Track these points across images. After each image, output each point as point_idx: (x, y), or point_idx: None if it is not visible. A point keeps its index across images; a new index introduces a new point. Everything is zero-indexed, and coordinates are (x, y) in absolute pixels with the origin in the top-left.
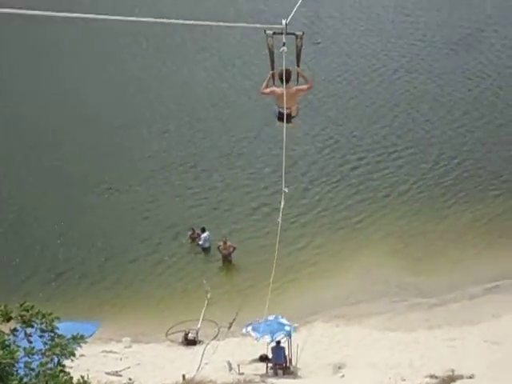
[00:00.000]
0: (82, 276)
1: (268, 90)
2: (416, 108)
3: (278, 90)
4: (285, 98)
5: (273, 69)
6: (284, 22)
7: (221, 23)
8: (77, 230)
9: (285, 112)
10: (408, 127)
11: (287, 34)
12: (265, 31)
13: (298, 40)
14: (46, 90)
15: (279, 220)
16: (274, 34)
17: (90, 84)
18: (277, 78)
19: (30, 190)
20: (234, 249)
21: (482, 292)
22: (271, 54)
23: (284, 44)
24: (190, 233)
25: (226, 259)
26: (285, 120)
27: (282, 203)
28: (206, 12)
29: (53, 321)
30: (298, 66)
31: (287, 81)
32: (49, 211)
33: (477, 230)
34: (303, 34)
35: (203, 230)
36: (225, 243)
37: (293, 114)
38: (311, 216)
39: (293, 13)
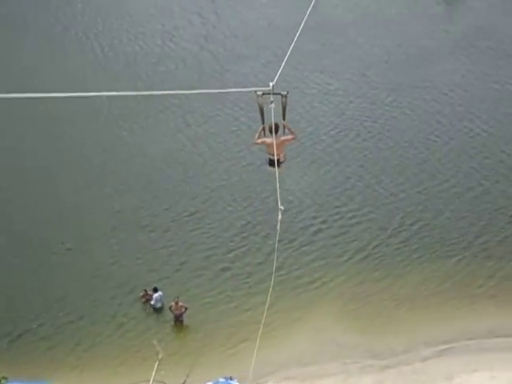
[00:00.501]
0: (40, 338)
1: (260, 141)
2: (380, 171)
3: (268, 140)
4: (275, 146)
5: (263, 123)
6: (271, 84)
7: (210, 90)
8: (34, 290)
9: (275, 158)
10: (372, 189)
11: (274, 93)
12: (255, 92)
13: (283, 98)
14: (4, 150)
15: (278, 228)
16: (263, 94)
17: (48, 143)
18: (267, 130)
19: None
20: (186, 309)
21: (434, 354)
22: (261, 110)
23: (272, 102)
24: (141, 294)
25: (178, 319)
26: (276, 165)
27: (280, 216)
28: (169, 75)
29: (0, 381)
30: (284, 119)
31: (276, 132)
32: (6, 271)
33: (429, 293)
34: (287, 93)
35: (155, 290)
36: (176, 303)
37: (281, 160)
38: (264, 275)
39: (277, 76)
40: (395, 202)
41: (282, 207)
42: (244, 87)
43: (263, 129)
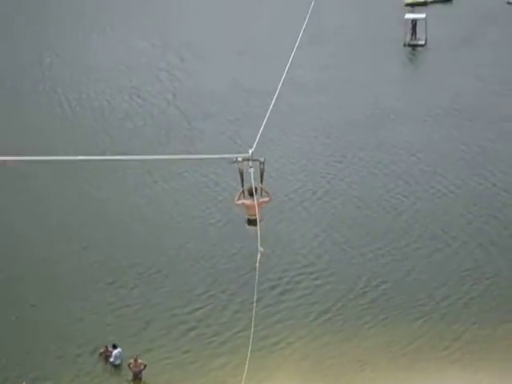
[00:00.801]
0: None
1: (240, 202)
2: (348, 229)
3: (247, 201)
4: (256, 208)
5: (243, 185)
6: (250, 150)
7: (190, 156)
8: None
9: (256, 218)
10: (340, 248)
11: (253, 160)
12: (236, 158)
13: (261, 164)
14: None
15: (256, 265)
16: (243, 160)
17: (12, 198)
18: (246, 192)
19: None
20: (145, 366)
21: None
22: (241, 174)
23: (251, 167)
24: (102, 350)
25: (137, 377)
26: (258, 223)
27: (259, 256)
28: (137, 131)
29: None
30: (262, 183)
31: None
32: None
33: (394, 354)
34: (265, 159)
35: (114, 347)
36: (135, 361)
37: (259, 219)
38: (230, 335)
39: (255, 143)
40: (362, 262)
41: (261, 248)
42: (211, 144)
43: (243, 191)
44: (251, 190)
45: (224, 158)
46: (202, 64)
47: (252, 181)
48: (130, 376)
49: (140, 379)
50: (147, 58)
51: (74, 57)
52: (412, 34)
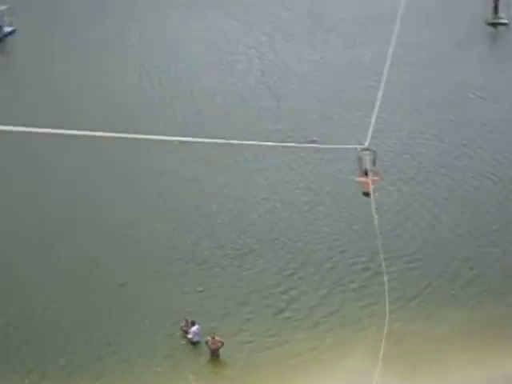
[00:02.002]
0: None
1: (357, 180)
2: (431, 210)
3: (363, 179)
4: (370, 185)
5: (360, 168)
6: (366, 143)
7: (302, 145)
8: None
9: (371, 191)
10: (423, 228)
11: (368, 150)
12: (356, 148)
13: (374, 153)
14: None
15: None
16: (362, 150)
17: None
18: (363, 173)
19: None
20: (222, 344)
21: None
22: (359, 159)
23: (368, 154)
24: (182, 324)
25: (214, 354)
26: (371, 194)
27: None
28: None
29: None
30: (374, 165)
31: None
32: None
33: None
34: (375, 151)
35: (193, 324)
36: (213, 338)
37: (370, 193)
38: (318, 318)
39: (369, 137)
40: (455, 244)
41: (376, 216)
42: (300, 122)
43: (360, 172)
44: (366, 170)
45: (343, 148)
46: (290, 42)
47: (367, 164)
48: (208, 354)
49: (217, 356)
50: (231, 35)
51: (158, 34)
52: (494, 13)
